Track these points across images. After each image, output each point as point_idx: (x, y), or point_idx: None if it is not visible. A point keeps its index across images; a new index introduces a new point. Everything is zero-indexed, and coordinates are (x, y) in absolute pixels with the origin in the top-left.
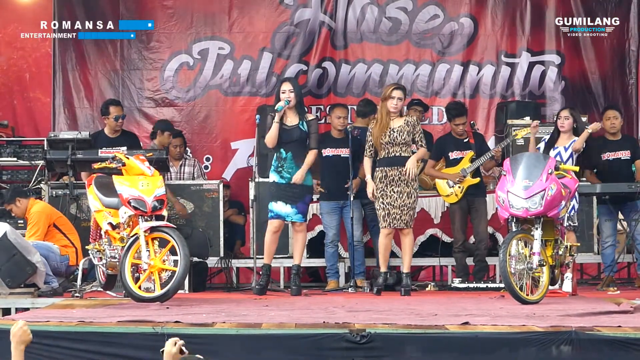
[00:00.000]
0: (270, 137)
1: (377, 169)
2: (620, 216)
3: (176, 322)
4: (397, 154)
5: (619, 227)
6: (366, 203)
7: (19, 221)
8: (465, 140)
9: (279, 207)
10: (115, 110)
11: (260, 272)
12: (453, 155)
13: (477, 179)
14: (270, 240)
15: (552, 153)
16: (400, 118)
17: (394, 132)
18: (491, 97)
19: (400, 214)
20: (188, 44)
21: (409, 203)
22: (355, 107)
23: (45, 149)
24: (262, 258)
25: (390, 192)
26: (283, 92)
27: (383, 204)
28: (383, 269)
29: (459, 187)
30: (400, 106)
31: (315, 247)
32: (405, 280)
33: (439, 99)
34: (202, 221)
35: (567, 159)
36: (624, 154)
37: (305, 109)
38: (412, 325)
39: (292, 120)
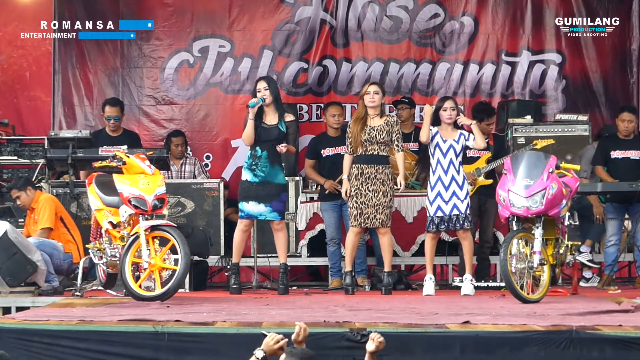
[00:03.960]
0: (247, 135)
1: (354, 165)
2: (627, 215)
3: (177, 321)
4: (375, 153)
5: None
6: None
7: (20, 220)
8: (485, 140)
9: (250, 207)
10: (110, 110)
11: (230, 273)
12: (470, 153)
13: (490, 181)
14: (240, 240)
15: (444, 146)
16: (380, 118)
17: (373, 130)
18: (492, 96)
19: (375, 213)
20: (188, 42)
21: (385, 202)
22: (356, 106)
23: (46, 147)
24: (263, 257)
25: (365, 191)
26: (259, 91)
27: (357, 202)
28: (349, 267)
29: (471, 186)
30: (377, 100)
31: (316, 245)
32: (387, 279)
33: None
34: (203, 220)
35: (460, 152)
36: (634, 154)
37: (284, 108)
38: (412, 324)
39: (271, 119)
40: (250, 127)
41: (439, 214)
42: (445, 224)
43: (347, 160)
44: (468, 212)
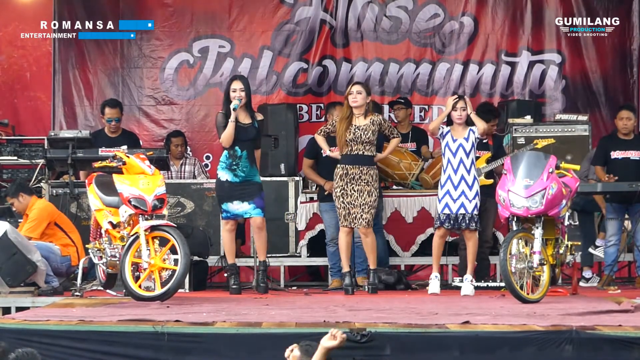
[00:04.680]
0: (227, 137)
1: (339, 166)
2: (627, 215)
3: (176, 321)
4: (360, 153)
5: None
6: None
7: (19, 220)
8: (484, 141)
9: (234, 206)
10: (110, 112)
11: (228, 274)
12: None
13: (491, 181)
14: (229, 240)
15: (454, 146)
16: (365, 117)
17: (358, 130)
18: (491, 96)
19: (361, 212)
20: (188, 42)
21: (370, 202)
22: None
23: (46, 147)
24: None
25: (350, 191)
26: (234, 91)
27: (343, 203)
28: (346, 268)
29: None
30: (360, 100)
31: (316, 245)
32: (372, 277)
33: (439, 98)
34: (203, 220)
35: (470, 150)
36: (634, 154)
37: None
38: (412, 324)
39: (244, 118)
40: (232, 129)
41: (446, 211)
42: (451, 223)
43: (321, 139)
44: (475, 212)
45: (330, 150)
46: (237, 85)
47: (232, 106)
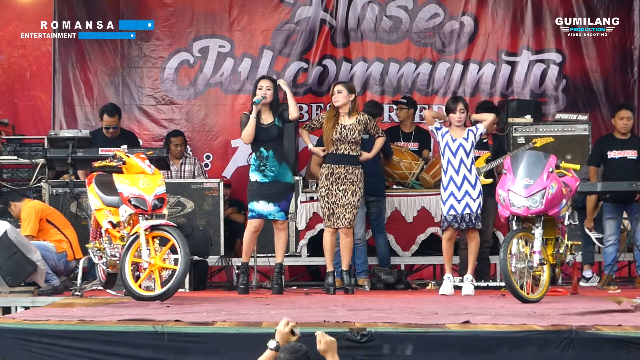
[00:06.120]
0: (248, 133)
1: (324, 165)
2: (625, 215)
3: (176, 320)
4: (345, 152)
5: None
6: (370, 201)
7: (19, 220)
8: (484, 140)
9: (260, 206)
10: (109, 120)
11: (239, 272)
12: None
13: (490, 180)
14: (250, 240)
15: (454, 146)
16: (351, 116)
17: (345, 129)
18: (491, 95)
19: (344, 212)
20: (188, 42)
21: (353, 202)
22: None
23: (46, 147)
24: (263, 257)
25: (335, 191)
26: (260, 89)
27: (328, 203)
28: (330, 268)
29: None
30: (341, 99)
31: (316, 245)
32: (347, 279)
33: (439, 98)
34: (203, 220)
35: (470, 150)
36: (631, 154)
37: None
38: (412, 324)
39: (267, 118)
40: (252, 125)
41: (452, 212)
42: (458, 223)
43: (305, 133)
44: (479, 211)
45: (312, 144)
46: (264, 83)
47: (254, 99)
